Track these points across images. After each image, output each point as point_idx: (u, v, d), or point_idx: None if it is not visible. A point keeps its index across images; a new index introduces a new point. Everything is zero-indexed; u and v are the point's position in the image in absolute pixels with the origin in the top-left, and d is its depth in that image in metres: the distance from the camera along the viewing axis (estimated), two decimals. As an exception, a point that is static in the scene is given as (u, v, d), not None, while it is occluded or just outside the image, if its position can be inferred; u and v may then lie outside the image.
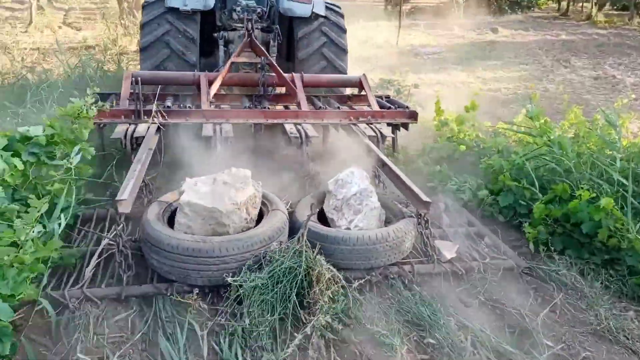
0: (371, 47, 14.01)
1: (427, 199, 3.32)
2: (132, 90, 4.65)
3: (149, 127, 4.29)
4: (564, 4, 23.36)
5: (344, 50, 5.94)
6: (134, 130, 4.22)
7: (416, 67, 11.56)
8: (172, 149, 4.35)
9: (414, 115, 4.89)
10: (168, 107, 4.79)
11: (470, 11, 21.54)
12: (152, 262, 3.05)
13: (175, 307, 2.84)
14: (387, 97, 5.82)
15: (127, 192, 3.11)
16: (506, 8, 21.62)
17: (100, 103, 4.30)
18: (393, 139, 4.94)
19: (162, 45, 5.47)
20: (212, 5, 5.66)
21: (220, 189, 3.22)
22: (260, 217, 3.40)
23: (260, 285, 2.76)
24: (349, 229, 3.36)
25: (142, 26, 5.56)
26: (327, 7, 6.02)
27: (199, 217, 3.14)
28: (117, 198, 3.05)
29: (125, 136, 4.13)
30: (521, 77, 10.83)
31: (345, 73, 5.92)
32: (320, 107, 5.19)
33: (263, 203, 3.47)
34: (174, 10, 5.46)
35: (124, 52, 12.69)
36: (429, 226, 3.35)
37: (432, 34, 17.06)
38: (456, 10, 20.34)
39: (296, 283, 2.74)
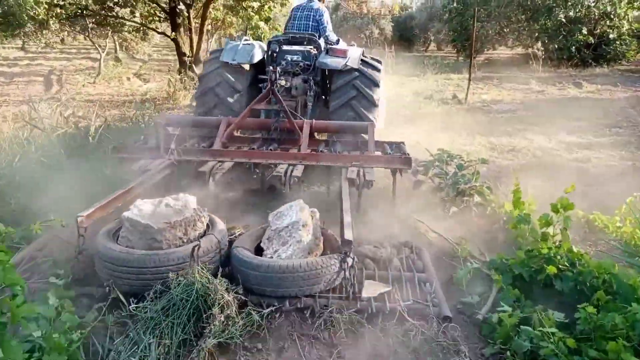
0: (436, 103, 12.74)
1: (349, 238, 3.38)
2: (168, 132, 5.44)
3: (162, 162, 4.88)
4: (657, 56, 21.02)
5: (373, 104, 6.27)
6: (148, 164, 4.81)
7: (486, 128, 10.13)
8: (179, 183, 4.82)
9: (407, 162, 5.03)
10: (185, 146, 5.45)
11: (549, 64, 19.80)
12: (96, 268, 3.42)
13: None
14: (400, 143, 5.88)
15: (88, 211, 3.51)
16: (590, 61, 19.60)
17: None
18: (393, 184, 5.15)
19: (214, 75, 6.56)
20: (255, 60, 6.56)
21: (161, 210, 3.58)
22: None
23: (152, 313, 2.90)
24: (272, 258, 3.51)
25: (204, 63, 6.88)
26: (363, 61, 6.43)
27: (137, 232, 3.45)
28: (78, 214, 3.44)
29: (139, 169, 4.74)
30: (615, 143, 8.99)
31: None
32: (321, 150, 5.60)
33: (209, 227, 3.76)
34: (226, 63, 6.54)
35: (175, 107, 12.31)
36: (353, 263, 3.40)
37: (506, 88, 15.55)
38: (534, 63, 18.66)
39: (191, 308, 2.92)
